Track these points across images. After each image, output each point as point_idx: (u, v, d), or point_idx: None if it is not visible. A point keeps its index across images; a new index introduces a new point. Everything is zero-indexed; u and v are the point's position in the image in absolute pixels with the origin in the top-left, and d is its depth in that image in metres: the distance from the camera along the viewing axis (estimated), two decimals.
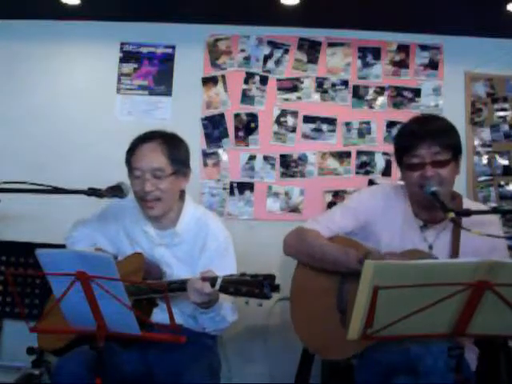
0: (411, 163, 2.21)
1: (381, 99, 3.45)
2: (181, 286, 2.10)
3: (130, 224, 2.41)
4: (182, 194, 2.40)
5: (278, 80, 3.47)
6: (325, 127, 3.43)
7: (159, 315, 2.15)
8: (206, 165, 3.43)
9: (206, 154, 3.44)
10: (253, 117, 3.45)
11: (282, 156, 3.43)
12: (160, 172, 2.25)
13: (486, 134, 3.41)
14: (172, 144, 2.32)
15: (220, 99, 3.46)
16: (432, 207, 2.22)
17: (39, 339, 2.34)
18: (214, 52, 3.49)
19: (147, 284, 2.17)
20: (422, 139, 2.18)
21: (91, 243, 2.45)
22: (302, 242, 2.39)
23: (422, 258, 2.08)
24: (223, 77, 3.47)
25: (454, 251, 2.23)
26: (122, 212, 2.44)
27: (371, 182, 3.39)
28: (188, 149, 2.40)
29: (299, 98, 3.45)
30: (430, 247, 2.27)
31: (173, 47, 3.51)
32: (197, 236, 2.34)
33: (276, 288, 1.94)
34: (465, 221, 2.15)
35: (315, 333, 2.30)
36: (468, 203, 2.31)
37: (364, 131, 3.43)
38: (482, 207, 2.39)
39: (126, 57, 3.50)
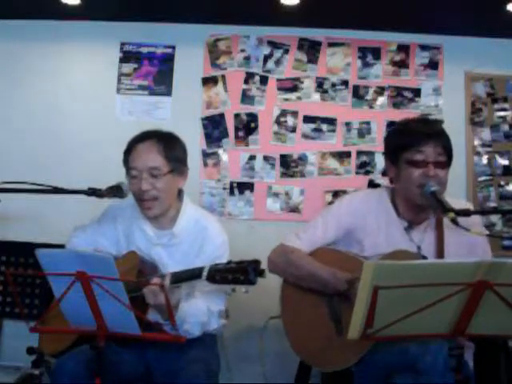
0: (414, 159, 2.21)
1: (381, 99, 3.45)
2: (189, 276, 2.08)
3: (129, 224, 2.41)
4: (180, 193, 2.41)
5: (278, 80, 3.46)
6: (325, 127, 3.43)
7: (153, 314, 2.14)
8: (206, 165, 3.43)
9: (205, 154, 3.44)
10: (253, 117, 3.45)
11: (282, 156, 3.43)
12: (156, 171, 2.26)
13: (486, 134, 3.41)
14: (168, 142, 2.32)
15: (220, 99, 3.46)
16: (421, 207, 2.23)
17: (40, 342, 2.34)
18: (214, 52, 3.49)
19: (145, 283, 2.16)
20: (429, 137, 2.20)
21: (92, 247, 2.44)
22: (287, 262, 2.35)
23: (411, 259, 2.08)
24: (223, 77, 3.47)
25: (440, 250, 2.24)
26: (121, 213, 2.44)
27: (371, 182, 3.38)
28: (185, 147, 2.40)
29: (299, 98, 3.45)
30: (419, 248, 2.27)
31: (173, 47, 3.51)
32: (195, 238, 2.34)
33: (261, 273, 1.94)
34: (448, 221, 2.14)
35: (312, 347, 2.28)
36: (451, 202, 2.27)
37: (364, 131, 3.43)
38: (464, 204, 2.35)
39: (126, 57, 3.50)
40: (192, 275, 2.04)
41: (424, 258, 2.21)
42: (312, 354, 2.30)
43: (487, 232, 2.37)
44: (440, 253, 2.23)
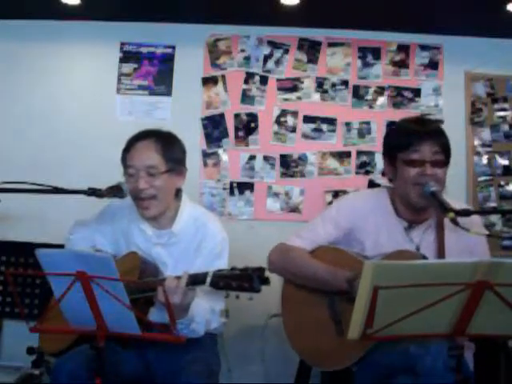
0: (411, 159, 2.21)
1: (381, 99, 3.45)
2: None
3: (128, 224, 2.41)
4: (178, 193, 2.40)
5: (278, 80, 3.47)
6: (325, 127, 3.43)
7: (157, 314, 2.15)
8: (205, 165, 3.43)
9: (206, 154, 3.44)
10: (253, 117, 3.45)
11: (282, 156, 3.43)
12: (153, 169, 2.25)
13: (486, 134, 3.41)
14: (166, 142, 2.32)
15: (220, 99, 3.46)
16: (421, 207, 2.23)
17: (41, 342, 2.34)
18: (214, 52, 3.49)
19: (145, 283, 2.16)
20: (425, 137, 2.20)
21: (90, 245, 2.44)
22: (287, 260, 2.35)
23: (412, 258, 2.08)
24: (223, 77, 3.47)
25: (441, 250, 2.24)
26: (120, 212, 2.44)
27: (371, 182, 3.39)
28: (184, 147, 2.40)
29: (299, 98, 3.45)
30: (418, 248, 2.27)
31: (173, 47, 3.51)
32: (194, 236, 2.34)
33: (265, 281, 1.92)
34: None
35: (312, 346, 2.28)
36: (451, 202, 2.27)
37: (364, 131, 3.43)
38: (463, 205, 2.36)
39: (126, 57, 3.50)
40: (196, 280, 2.03)
41: (424, 258, 2.21)
42: (312, 353, 2.30)
43: (487, 232, 2.36)
44: (440, 253, 2.23)
